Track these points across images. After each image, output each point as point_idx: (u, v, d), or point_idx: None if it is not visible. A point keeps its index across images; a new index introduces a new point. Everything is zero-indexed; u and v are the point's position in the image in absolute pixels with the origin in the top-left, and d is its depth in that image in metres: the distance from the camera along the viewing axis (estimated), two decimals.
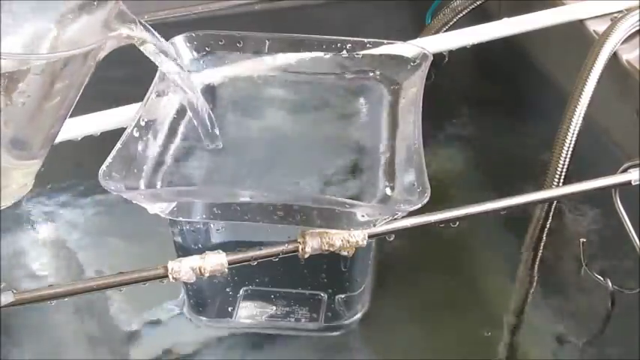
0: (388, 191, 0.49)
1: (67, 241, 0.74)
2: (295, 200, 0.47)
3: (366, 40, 0.59)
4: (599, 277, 0.61)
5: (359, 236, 0.47)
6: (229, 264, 0.47)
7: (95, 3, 0.45)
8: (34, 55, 0.42)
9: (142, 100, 0.54)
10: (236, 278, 0.62)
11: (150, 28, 0.46)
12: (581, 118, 0.62)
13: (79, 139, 0.59)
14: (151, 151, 0.51)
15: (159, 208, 0.48)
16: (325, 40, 0.60)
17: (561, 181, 0.63)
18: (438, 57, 0.58)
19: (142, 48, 0.47)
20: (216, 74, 0.59)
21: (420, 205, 0.45)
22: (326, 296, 0.62)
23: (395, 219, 0.47)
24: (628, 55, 0.65)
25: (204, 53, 0.59)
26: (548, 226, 0.66)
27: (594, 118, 0.64)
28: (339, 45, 0.60)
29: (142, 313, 0.65)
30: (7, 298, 0.46)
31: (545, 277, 0.67)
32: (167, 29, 0.76)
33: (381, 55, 0.59)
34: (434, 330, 0.64)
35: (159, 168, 0.51)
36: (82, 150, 0.60)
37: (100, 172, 0.46)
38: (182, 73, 0.50)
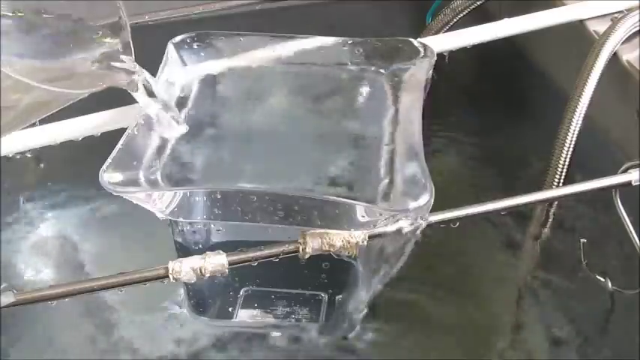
0: (388, 189, 0.49)
1: (67, 241, 0.74)
2: (294, 192, 0.47)
3: (368, 39, 0.60)
4: (599, 277, 0.61)
5: (359, 237, 0.47)
6: (230, 264, 0.47)
7: (99, 33, 0.46)
8: (74, 91, 0.44)
9: None
10: (236, 279, 0.62)
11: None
12: (581, 118, 0.62)
13: (80, 139, 0.59)
14: (151, 151, 0.51)
15: (159, 209, 0.48)
16: (326, 39, 0.60)
17: (561, 181, 0.63)
18: (438, 57, 0.58)
19: (131, 92, 0.49)
20: (215, 66, 0.59)
21: (421, 203, 0.45)
22: (326, 297, 0.62)
23: (395, 219, 0.47)
24: (628, 56, 0.65)
25: (205, 47, 0.59)
26: (548, 226, 0.66)
27: (594, 118, 0.64)
28: (340, 43, 0.60)
29: (142, 314, 0.66)
30: (8, 298, 0.46)
31: (546, 277, 0.67)
32: (167, 29, 0.77)
33: (383, 49, 0.59)
34: (434, 330, 0.64)
35: (159, 168, 0.51)
36: (82, 150, 0.60)
37: (101, 172, 0.46)
38: (167, 114, 0.51)
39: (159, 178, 0.50)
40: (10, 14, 0.46)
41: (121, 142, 0.49)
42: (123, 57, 0.48)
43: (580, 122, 0.62)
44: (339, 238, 0.47)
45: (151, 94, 0.50)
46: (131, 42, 0.48)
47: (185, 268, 0.47)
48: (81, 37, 0.48)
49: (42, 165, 0.79)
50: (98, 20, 0.48)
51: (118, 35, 0.48)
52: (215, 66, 0.59)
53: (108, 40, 0.48)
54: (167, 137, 0.52)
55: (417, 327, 0.65)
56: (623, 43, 0.65)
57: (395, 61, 0.59)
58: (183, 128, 0.53)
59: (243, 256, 0.48)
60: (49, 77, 0.45)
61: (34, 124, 0.60)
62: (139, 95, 0.49)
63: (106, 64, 0.48)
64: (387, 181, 0.49)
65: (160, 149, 0.52)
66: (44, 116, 0.47)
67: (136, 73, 0.48)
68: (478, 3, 0.80)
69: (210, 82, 0.59)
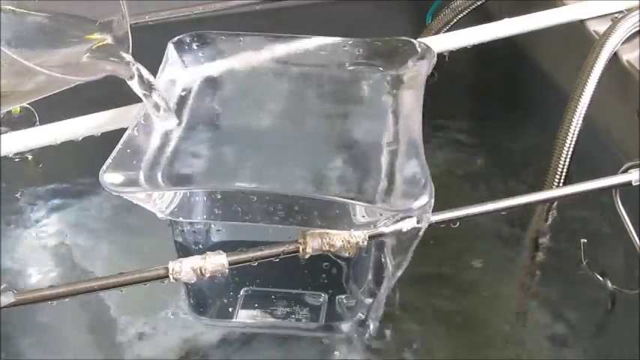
0: (389, 189, 0.48)
1: (68, 241, 0.74)
2: (294, 192, 0.47)
3: (368, 39, 0.59)
4: (599, 277, 0.61)
5: (359, 237, 0.47)
6: (230, 264, 0.47)
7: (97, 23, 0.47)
8: (72, 77, 0.45)
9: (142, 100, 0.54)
10: (237, 278, 0.62)
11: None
12: (581, 118, 0.62)
13: (80, 139, 0.59)
14: (151, 151, 0.51)
15: (159, 209, 0.48)
16: (326, 39, 0.60)
17: (561, 181, 0.63)
18: (438, 57, 0.58)
19: (129, 82, 0.50)
20: (216, 66, 0.59)
21: (422, 203, 0.45)
22: (326, 297, 0.62)
23: (395, 220, 0.47)
24: (628, 56, 0.65)
25: (205, 47, 0.59)
26: (548, 226, 0.66)
27: (594, 118, 0.64)
28: (340, 43, 0.60)
29: (142, 313, 0.66)
30: (8, 298, 0.46)
31: (546, 277, 0.67)
32: (168, 29, 0.77)
33: (383, 49, 0.59)
34: (435, 329, 0.64)
35: (159, 168, 0.51)
36: (82, 150, 0.60)
37: (101, 172, 0.46)
38: (164, 108, 0.52)
39: (159, 178, 0.50)
40: (8, 8, 0.46)
41: (121, 142, 0.49)
42: (119, 47, 0.48)
43: (580, 122, 0.62)
44: (339, 238, 0.47)
45: (146, 82, 0.50)
46: (129, 32, 0.48)
47: (185, 268, 0.47)
48: (78, 29, 0.48)
49: (42, 165, 0.79)
50: (99, 19, 0.49)
51: (115, 27, 0.48)
52: (215, 66, 0.59)
53: (105, 32, 0.48)
54: (163, 129, 0.52)
55: (417, 326, 0.65)
56: (623, 43, 0.65)
57: (395, 61, 0.59)
58: (177, 120, 0.53)
59: (243, 256, 0.48)
60: (45, 66, 0.45)
61: (34, 124, 0.60)
62: (134, 83, 0.49)
63: (102, 54, 0.48)
64: (387, 181, 0.49)
65: (160, 149, 0.52)
66: (39, 98, 0.47)
67: (131, 63, 0.48)
68: (478, 3, 0.80)
69: (210, 82, 0.59)
